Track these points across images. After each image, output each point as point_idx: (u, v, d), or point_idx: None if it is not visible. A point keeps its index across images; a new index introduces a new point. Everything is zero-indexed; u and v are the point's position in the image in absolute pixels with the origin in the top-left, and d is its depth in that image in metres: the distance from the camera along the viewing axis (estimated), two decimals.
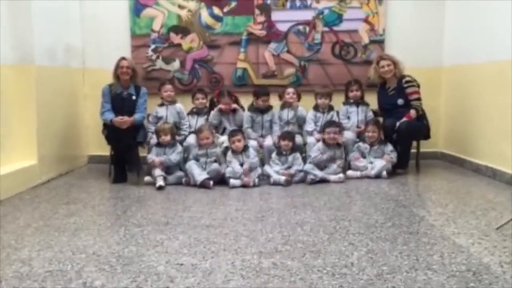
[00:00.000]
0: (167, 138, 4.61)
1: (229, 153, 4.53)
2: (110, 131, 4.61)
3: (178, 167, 4.70)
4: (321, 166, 4.60)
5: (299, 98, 5.10)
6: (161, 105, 5.05)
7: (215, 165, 4.52)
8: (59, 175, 4.99)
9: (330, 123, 4.73)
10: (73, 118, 5.35)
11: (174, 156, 4.64)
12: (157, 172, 4.47)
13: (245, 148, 4.55)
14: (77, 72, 5.51)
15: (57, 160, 4.94)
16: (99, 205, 3.87)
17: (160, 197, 4.11)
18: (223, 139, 4.75)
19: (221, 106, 4.80)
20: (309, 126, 5.06)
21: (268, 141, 4.85)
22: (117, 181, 4.65)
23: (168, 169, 4.61)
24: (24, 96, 4.44)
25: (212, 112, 4.83)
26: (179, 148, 4.69)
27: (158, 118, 4.98)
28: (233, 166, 4.45)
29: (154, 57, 5.60)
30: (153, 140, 4.79)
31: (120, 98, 4.73)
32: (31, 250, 2.80)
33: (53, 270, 2.50)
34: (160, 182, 4.38)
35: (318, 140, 4.76)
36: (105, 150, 5.05)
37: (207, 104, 5.17)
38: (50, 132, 4.80)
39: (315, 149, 4.65)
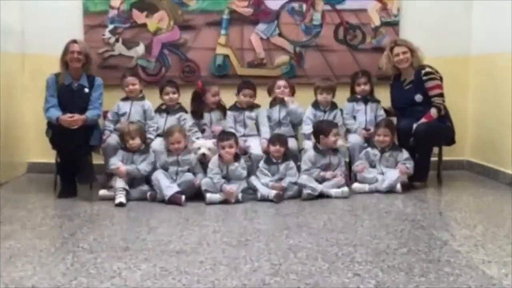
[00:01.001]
0: (136, 142, 4.58)
1: (214, 159, 4.51)
2: (56, 133, 4.54)
3: (144, 179, 4.66)
4: (319, 177, 4.63)
5: (292, 92, 5.12)
6: (125, 99, 5.01)
7: (188, 175, 4.50)
8: None
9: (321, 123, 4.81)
10: (8, 116, 5.22)
11: (144, 165, 4.61)
12: (119, 183, 4.42)
13: (237, 157, 4.54)
14: (14, 58, 5.44)
15: None
16: (41, 226, 3.80)
17: (118, 215, 4.06)
18: (200, 143, 4.71)
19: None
20: (306, 128, 5.05)
21: (256, 149, 4.82)
22: (64, 195, 4.59)
23: (131, 180, 4.58)
24: None
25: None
26: (151, 156, 4.66)
27: (119, 115, 4.96)
28: (213, 176, 4.42)
29: (112, 40, 5.57)
30: (111, 139, 4.73)
31: (69, 91, 4.68)
32: None
33: None
34: (121, 198, 4.35)
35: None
36: (49, 157, 4.97)
37: (179, 100, 5.18)
38: None
39: (305, 160, 4.68)
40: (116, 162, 4.52)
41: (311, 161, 4.67)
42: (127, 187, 4.44)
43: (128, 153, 4.61)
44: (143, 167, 4.57)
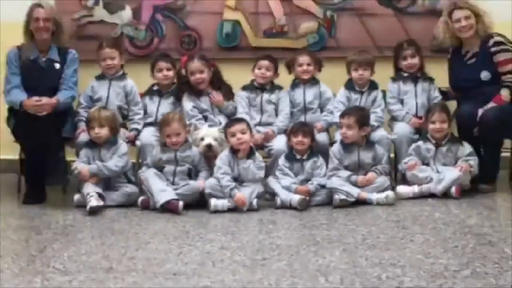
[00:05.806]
0: (103, 132, 4.59)
1: (223, 155, 4.56)
2: (20, 121, 4.59)
3: (126, 179, 4.71)
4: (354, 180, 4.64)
5: (319, 67, 5.15)
6: (101, 77, 5.01)
7: (191, 185, 4.54)
8: None
9: (352, 111, 4.75)
10: None
11: (114, 161, 4.61)
12: (88, 188, 4.44)
13: (251, 152, 4.60)
14: None
15: None
16: (3, 240, 3.76)
17: (98, 227, 4.05)
18: (204, 132, 4.74)
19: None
20: (338, 115, 4.96)
21: (279, 141, 4.88)
22: (30, 200, 4.64)
23: (109, 182, 4.62)
24: None
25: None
26: (122, 148, 4.67)
27: (94, 101, 4.98)
28: (221, 177, 4.45)
29: (91, 2, 5.58)
30: (84, 135, 4.74)
31: (35, 67, 4.75)
32: None
33: None
34: (92, 201, 4.32)
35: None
36: (12, 152, 5.04)
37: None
38: None
39: (331, 156, 4.73)
40: (78, 165, 4.55)
41: (336, 157, 4.70)
42: (99, 190, 4.44)
43: (94, 149, 4.62)
44: (113, 163, 4.57)
